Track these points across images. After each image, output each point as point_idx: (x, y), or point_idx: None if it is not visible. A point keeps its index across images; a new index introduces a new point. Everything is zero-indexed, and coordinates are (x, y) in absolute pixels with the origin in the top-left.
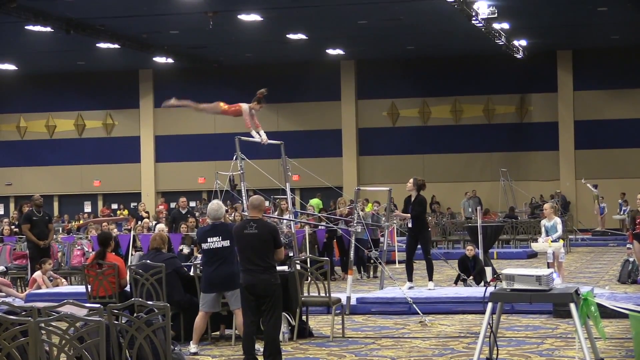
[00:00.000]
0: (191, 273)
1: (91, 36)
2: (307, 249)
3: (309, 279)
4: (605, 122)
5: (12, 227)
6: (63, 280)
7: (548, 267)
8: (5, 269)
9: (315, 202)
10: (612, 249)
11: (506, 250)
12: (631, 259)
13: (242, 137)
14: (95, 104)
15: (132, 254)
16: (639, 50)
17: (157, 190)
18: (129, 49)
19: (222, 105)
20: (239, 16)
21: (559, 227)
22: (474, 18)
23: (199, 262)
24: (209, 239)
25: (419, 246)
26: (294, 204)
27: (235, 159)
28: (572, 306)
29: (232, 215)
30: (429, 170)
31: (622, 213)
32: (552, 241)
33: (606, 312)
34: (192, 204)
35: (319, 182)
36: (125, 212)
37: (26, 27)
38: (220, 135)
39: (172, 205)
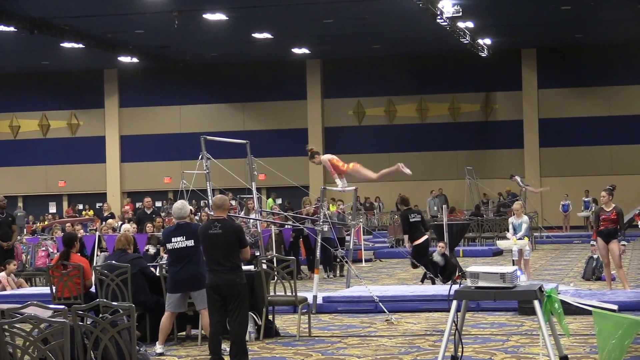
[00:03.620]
0: (157, 273)
1: (55, 36)
2: (273, 248)
3: (275, 278)
4: (569, 120)
5: None
6: (24, 282)
7: (513, 265)
8: None
9: (269, 202)
10: (577, 246)
11: (472, 248)
12: (595, 256)
13: (208, 137)
14: (60, 104)
15: (97, 255)
16: (602, 48)
17: (122, 190)
18: (93, 49)
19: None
20: (204, 15)
21: (524, 227)
22: (438, 17)
23: (165, 262)
24: (173, 239)
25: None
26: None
27: (201, 159)
28: (536, 303)
29: (199, 214)
30: None
31: (587, 210)
32: (517, 239)
33: (570, 309)
34: (158, 203)
35: (285, 181)
36: (91, 212)
37: None
38: (186, 135)
39: (139, 205)
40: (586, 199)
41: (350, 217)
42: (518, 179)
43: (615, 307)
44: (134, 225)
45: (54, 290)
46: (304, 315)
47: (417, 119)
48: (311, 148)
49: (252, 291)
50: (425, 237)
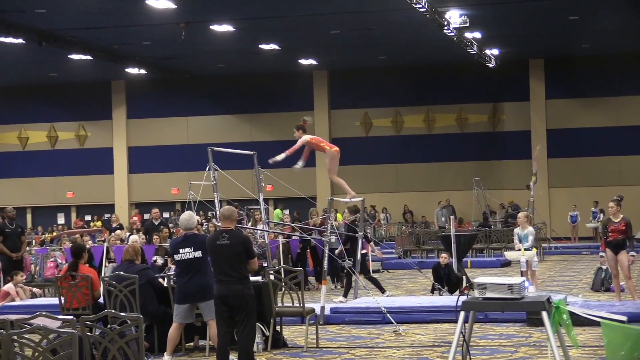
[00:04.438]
0: (165, 284)
1: (63, 48)
2: (280, 259)
3: (283, 289)
4: (577, 131)
5: None
6: (34, 290)
7: (521, 276)
8: None
9: (276, 213)
10: (585, 257)
11: (480, 259)
12: (604, 267)
13: (215, 148)
14: (68, 115)
15: (105, 266)
16: (610, 58)
17: (130, 201)
18: (101, 60)
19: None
20: (211, 27)
21: (530, 238)
22: (445, 28)
23: (173, 273)
24: (180, 250)
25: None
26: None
27: (209, 170)
28: (544, 314)
29: (206, 225)
30: (402, 179)
31: (595, 221)
32: (525, 250)
33: (579, 320)
34: (166, 214)
35: (293, 192)
36: (99, 223)
37: None
38: (193, 146)
39: (147, 216)
40: (594, 210)
41: (357, 228)
42: (531, 184)
43: (624, 318)
44: (142, 236)
45: (62, 301)
46: (312, 326)
47: (425, 130)
48: (304, 121)
49: (260, 302)
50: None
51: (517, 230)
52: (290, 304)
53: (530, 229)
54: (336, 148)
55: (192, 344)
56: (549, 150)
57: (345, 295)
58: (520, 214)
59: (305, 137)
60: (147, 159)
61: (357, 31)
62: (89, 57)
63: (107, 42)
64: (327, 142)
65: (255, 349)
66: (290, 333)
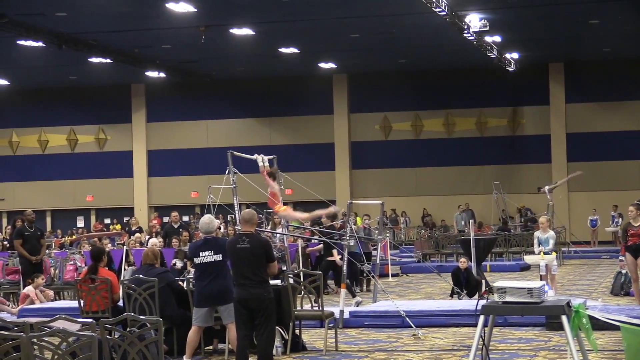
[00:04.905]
0: (184, 287)
1: (83, 51)
2: (300, 262)
3: (302, 292)
4: (597, 135)
5: (5, 242)
6: (50, 292)
7: (541, 280)
8: None
9: None
10: (605, 261)
11: (499, 263)
12: (624, 271)
13: (235, 152)
14: (88, 118)
15: (124, 269)
16: (630, 62)
17: (150, 204)
18: (121, 64)
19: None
20: (231, 30)
21: (551, 242)
22: (465, 31)
23: (192, 276)
24: (201, 253)
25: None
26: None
27: (228, 173)
28: (564, 318)
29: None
30: (421, 183)
31: (614, 225)
32: (544, 254)
33: (598, 324)
34: (185, 218)
35: (312, 195)
36: (118, 226)
37: (18, 42)
38: (213, 149)
39: (166, 219)
40: (613, 214)
41: (376, 231)
42: (546, 189)
43: None
44: (161, 240)
45: (82, 304)
46: (331, 330)
47: (444, 134)
48: (274, 169)
49: (279, 305)
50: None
51: (537, 233)
52: (310, 308)
53: (552, 233)
54: (283, 209)
55: (211, 347)
56: (569, 154)
57: (353, 296)
58: (542, 218)
59: (273, 187)
60: (166, 162)
61: (377, 35)
62: (109, 61)
63: (127, 46)
64: (279, 202)
65: (274, 352)
66: (310, 336)
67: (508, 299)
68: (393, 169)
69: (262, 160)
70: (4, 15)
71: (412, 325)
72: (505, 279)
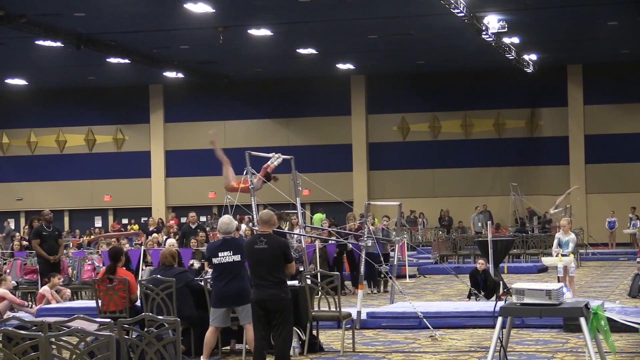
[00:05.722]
0: None
1: (101, 51)
2: (317, 263)
3: (320, 293)
4: (615, 137)
5: (23, 242)
6: (67, 291)
7: (558, 282)
8: (16, 284)
9: (317, 217)
10: (623, 263)
11: (517, 264)
12: None
13: (253, 152)
14: (106, 118)
15: (142, 269)
16: None
17: (167, 205)
18: (139, 64)
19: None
20: (249, 31)
21: (571, 245)
22: (484, 33)
23: (209, 277)
24: (219, 254)
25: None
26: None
27: (246, 174)
28: (582, 320)
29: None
30: (439, 184)
31: (632, 227)
32: (562, 255)
33: (616, 326)
34: (203, 218)
35: (329, 196)
36: (136, 227)
37: (36, 42)
38: (230, 150)
39: (183, 220)
40: (631, 216)
41: (394, 232)
42: (551, 212)
43: None
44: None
45: (99, 304)
46: (348, 331)
47: (462, 135)
48: (274, 178)
49: (297, 306)
50: None
51: (558, 234)
52: (327, 309)
53: (573, 236)
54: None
55: (228, 347)
56: (587, 156)
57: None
58: (563, 220)
59: (252, 183)
60: (184, 162)
61: (395, 36)
62: (127, 61)
63: (145, 46)
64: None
65: (291, 353)
66: (327, 337)
67: (526, 300)
68: (411, 170)
69: (275, 159)
70: (23, 16)
71: (430, 327)
72: (522, 281)
